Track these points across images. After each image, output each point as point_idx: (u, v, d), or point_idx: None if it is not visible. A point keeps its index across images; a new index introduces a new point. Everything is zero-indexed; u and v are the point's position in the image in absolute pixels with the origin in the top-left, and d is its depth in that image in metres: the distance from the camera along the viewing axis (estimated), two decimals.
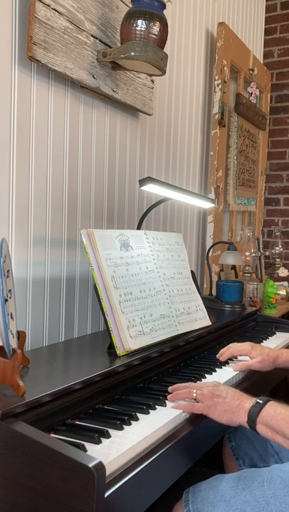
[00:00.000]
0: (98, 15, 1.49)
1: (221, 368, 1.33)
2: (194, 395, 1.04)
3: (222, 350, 1.36)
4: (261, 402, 0.98)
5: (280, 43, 3.27)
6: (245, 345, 1.34)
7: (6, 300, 0.93)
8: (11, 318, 0.96)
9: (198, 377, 1.22)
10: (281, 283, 2.88)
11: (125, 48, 1.42)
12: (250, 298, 2.22)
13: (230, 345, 1.37)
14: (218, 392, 1.03)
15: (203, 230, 2.52)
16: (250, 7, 3.06)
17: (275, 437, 0.95)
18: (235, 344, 1.37)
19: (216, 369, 1.31)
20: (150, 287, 1.34)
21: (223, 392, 1.03)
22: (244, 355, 1.35)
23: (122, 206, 1.80)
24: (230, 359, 1.38)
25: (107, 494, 0.71)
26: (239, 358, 1.38)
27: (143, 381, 1.18)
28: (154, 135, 2.01)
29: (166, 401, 1.06)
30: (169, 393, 1.08)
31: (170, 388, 1.09)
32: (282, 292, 2.79)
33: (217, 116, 2.42)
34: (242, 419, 0.98)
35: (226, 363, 1.36)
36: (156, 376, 1.22)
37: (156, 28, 1.41)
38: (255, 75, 2.86)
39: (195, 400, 1.04)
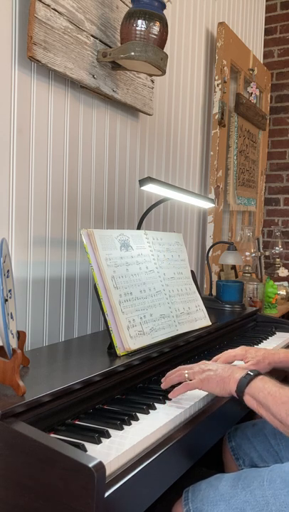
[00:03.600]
0: (98, 15, 1.49)
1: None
2: (186, 375, 1.07)
3: (215, 357, 1.32)
4: (252, 374, 1.00)
5: (280, 43, 3.27)
6: (239, 350, 1.32)
7: (6, 300, 0.93)
8: (11, 318, 0.96)
9: None
10: (281, 283, 2.88)
11: (125, 48, 1.42)
12: (250, 298, 2.22)
13: (224, 352, 1.34)
14: (208, 367, 1.08)
15: (203, 230, 2.52)
16: (250, 7, 3.06)
17: (260, 410, 0.97)
18: (229, 350, 1.34)
19: None
20: (150, 287, 1.34)
21: (214, 366, 1.08)
22: (239, 360, 1.33)
23: (122, 206, 1.80)
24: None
25: (107, 494, 0.71)
26: (236, 362, 1.36)
27: (143, 381, 1.18)
28: (154, 135, 2.01)
29: (167, 401, 1.06)
30: (169, 393, 1.08)
31: (163, 379, 1.12)
32: (282, 292, 2.79)
33: (217, 116, 2.42)
34: (232, 388, 1.01)
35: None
36: (156, 376, 1.22)
37: (156, 28, 1.41)
38: (255, 75, 2.86)
39: (188, 380, 1.07)
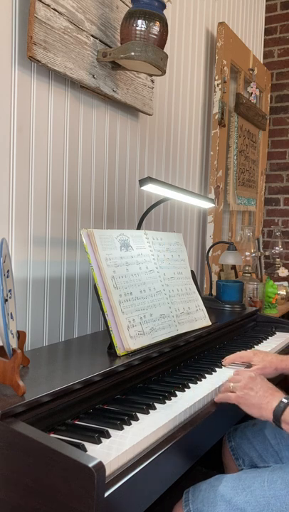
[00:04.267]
0: (98, 15, 1.49)
1: (221, 368, 1.33)
2: (231, 386, 1.11)
3: (227, 357, 1.36)
4: (286, 401, 1.02)
5: (280, 43, 3.27)
6: (248, 352, 1.34)
7: (6, 300, 0.93)
8: (11, 318, 0.96)
9: (198, 377, 1.21)
10: (281, 283, 2.88)
11: (125, 48, 1.42)
12: (250, 298, 2.22)
13: (236, 353, 1.37)
14: (251, 384, 1.08)
15: (203, 230, 2.52)
16: (250, 7, 3.06)
17: None
18: (241, 352, 1.36)
19: (216, 369, 1.31)
20: (150, 287, 1.34)
21: (257, 386, 1.08)
22: (246, 362, 1.34)
23: (122, 206, 1.80)
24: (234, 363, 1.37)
25: (107, 494, 0.71)
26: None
27: (143, 381, 1.18)
28: (154, 135, 2.01)
29: (167, 400, 1.06)
30: (170, 393, 1.08)
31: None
32: (282, 292, 2.79)
33: (217, 116, 2.42)
34: (268, 416, 1.03)
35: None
36: (156, 376, 1.22)
37: (156, 28, 1.41)
38: (255, 74, 2.86)
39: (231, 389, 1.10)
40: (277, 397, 1.04)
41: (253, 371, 1.25)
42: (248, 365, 1.31)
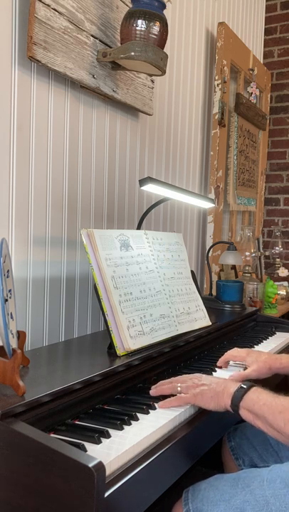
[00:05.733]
0: (98, 15, 1.49)
1: (221, 367, 1.33)
2: (179, 389, 1.05)
3: (219, 359, 1.34)
4: (245, 387, 0.99)
5: (280, 43, 3.27)
6: (241, 352, 1.32)
7: (6, 300, 0.93)
8: (11, 318, 0.96)
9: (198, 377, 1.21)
10: (281, 283, 2.88)
11: (125, 48, 1.42)
12: (250, 298, 2.22)
13: (227, 352, 1.35)
14: (202, 381, 1.05)
15: (203, 230, 2.52)
16: (250, 7, 3.06)
17: (257, 422, 0.96)
18: (233, 349, 1.35)
19: (216, 369, 1.31)
20: (150, 287, 1.34)
21: (207, 380, 1.05)
22: (239, 361, 1.33)
23: (122, 206, 1.80)
24: (229, 362, 1.36)
25: (107, 494, 0.71)
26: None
27: (143, 381, 1.18)
28: (154, 135, 2.01)
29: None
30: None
31: (153, 386, 1.09)
32: (282, 292, 2.79)
33: (217, 116, 2.42)
34: (226, 402, 0.99)
35: (226, 363, 1.36)
36: (156, 376, 1.22)
37: (156, 28, 1.41)
38: (255, 74, 2.86)
39: (180, 393, 1.04)
40: (231, 383, 1.02)
41: (248, 375, 1.25)
42: (245, 367, 1.30)
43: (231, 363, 1.35)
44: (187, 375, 1.10)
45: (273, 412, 0.92)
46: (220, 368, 1.32)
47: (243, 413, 0.97)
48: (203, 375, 1.09)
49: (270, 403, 0.94)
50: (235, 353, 1.31)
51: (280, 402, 0.93)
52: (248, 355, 1.29)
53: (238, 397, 0.98)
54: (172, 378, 1.10)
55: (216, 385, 1.03)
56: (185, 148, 2.29)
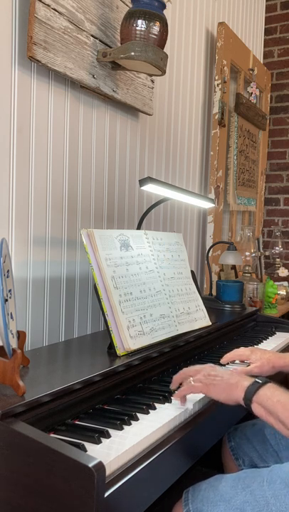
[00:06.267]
0: (98, 15, 1.49)
1: (221, 368, 1.32)
2: (191, 378, 1.06)
3: (226, 355, 1.35)
4: (260, 382, 0.99)
5: (280, 43, 3.27)
6: (246, 350, 1.33)
7: (6, 300, 0.93)
8: (11, 318, 0.96)
9: None
10: (281, 283, 2.88)
11: (125, 48, 1.42)
12: (250, 298, 2.22)
13: (234, 350, 1.36)
14: (215, 372, 1.06)
15: (203, 230, 2.52)
16: (250, 7, 3.06)
17: (268, 418, 0.95)
18: (238, 349, 1.36)
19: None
20: (150, 287, 1.34)
21: (220, 372, 1.06)
22: (245, 360, 1.33)
23: (122, 206, 1.80)
24: (232, 362, 1.37)
25: (107, 494, 0.71)
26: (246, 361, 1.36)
27: (143, 381, 1.18)
28: (154, 135, 2.01)
29: (166, 400, 1.06)
30: (170, 393, 1.08)
31: (171, 385, 1.11)
32: (282, 292, 2.79)
33: (217, 116, 2.42)
34: (239, 396, 0.99)
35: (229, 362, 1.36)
36: (156, 376, 1.23)
37: (156, 28, 1.41)
38: (255, 74, 2.86)
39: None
40: (245, 377, 1.02)
41: (250, 370, 1.25)
42: (248, 364, 1.31)
43: (237, 361, 1.36)
44: (200, 365, 1.11)
45: (286, 409, 0.92)
46: (222, 366, 1.32)
47: (256, 408, 0.97)
48: (217, 366, 1.10)
49: (284, 401, 0.93)
50: (240, 351, 1.33)
51: None
52: (253, 353, 1.31)
53: (251, 391, 0.98)
54: (185, 369, 1.11)
55: (230, 377, 1.03)
56: (185, 148, 2.29)
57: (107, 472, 0.75)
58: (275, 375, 1.30)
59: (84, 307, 1.60)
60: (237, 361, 1.36)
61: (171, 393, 1.09)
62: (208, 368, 1.08)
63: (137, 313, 1.25)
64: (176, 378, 1.10)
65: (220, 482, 1.03)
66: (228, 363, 1.35)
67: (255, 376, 1.04)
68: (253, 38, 3.15)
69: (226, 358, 1.33)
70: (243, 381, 1.00)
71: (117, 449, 0.82)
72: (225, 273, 2.57)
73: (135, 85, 1.71)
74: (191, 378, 1.06)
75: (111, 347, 1.18)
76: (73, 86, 1.48)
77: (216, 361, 1.35)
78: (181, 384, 1.09)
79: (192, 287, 1.54)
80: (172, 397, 1.05)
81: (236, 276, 2.68)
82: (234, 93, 2.69)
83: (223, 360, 1.33)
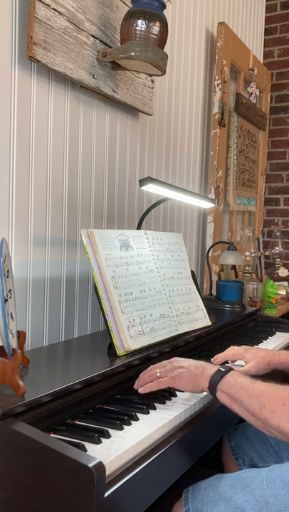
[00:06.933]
0: (98, 15, 1.49)
1: (188, 359, 1.31)
2: (158, 374, 1.06)
3: (217, 355, 1.34)
4: (223, 370, 1.00)
5: (280, 43, 3.27)
6: (239, 349, 1.32)
7: (6, 300, 0.93)
8: (11, 318, 0.96)
9: None
10: (281, 283, 2.88)
11: (125, 48, 1.42)
12: (250, 298, 2.22)
13: (227, 349, 1.35)
14: (180, 364, 1.06)
15: (203, 230, 2.52)
16: (250, 7, 3.06)
17: (233, 405, 0.96)
18: (231, 348, 1.35)
19: None
20: (150, 287, 1.34)
21: (185, 363, 1.06)
22: (238, 359, 1.33)
23: (122, 206, 1.80)
24: (227, 362, 1.36)
25: (107, 494, 0.71)
26: (238, 361, 1.36)
27: None
28: (154, 135, 2.01)
29: (166, 401, 1.06)
30: (170, 393, 1.09)
31: (136, 380, 1.10)
32: (282, 292, 2.79)
33: (217, 116, 2.42)
34: (204, 384, 1.01)
35: (225, 363, 1.36)
36: None
37: (156, 28, 1.41)
38: (255, 74, 2.86)
39: (160, 378, 1.06)
40: (210, 366, 1.03)
41: (247, 371, 1.25)
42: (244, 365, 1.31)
43: (230, 362, 1.35)
44: (166, 360, 1.11)
45: (250, 396, 0.93)
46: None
47: (220, 396, 0.99)
48: (182, 358, 1.10)
49: (246, 387, 0.94)
50: (233, 351, 1.32)
51: (257, 386, 0.94)
52: (247, 352, 1.30)
53: (215, 379, 0.99)
54: (151, 366, 1.11)
55: (194, 367, 1.04)
56: (185, 148, 2.29)
57: (107, 472, 0.75)
58: (275, 373, 1.30)
59: (84, 307, 1.60)
60: (229, 361, 1.35)
61: (171, 393, 1.09)
62: (173, 361, 1.09)
63: (137, 313, 1.25)
64: (144, 378, 1.08)
65: (220, 482, 1.03)
66: (226, 362, 1.35)
67: (221, 365, 1.05)
68: (253, 38, 3.15)
69: (219, 358, 1.32)
70: (208, 370, 1.02)
71: (117, 449, 0.82)
72: (225, 273, 2.57)
73: (135, 85, 1.71)
74: (158, 370, 1.07)
75: (111, 347, 1.18)
76: (73, 86, 1.48)
77: None
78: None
79: (192, 287, 1.55)
80: (139, 390, 1.05)
81: (236, 276, 2.68)
82: (234, 93, 2.69)
83: (216, 361, 1.32)
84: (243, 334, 1.78)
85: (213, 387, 0.99)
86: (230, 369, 1.01)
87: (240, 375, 0.99)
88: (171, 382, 1.04)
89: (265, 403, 0.90)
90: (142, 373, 1.11)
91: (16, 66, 1.27)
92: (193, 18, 2.30)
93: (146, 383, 1.07)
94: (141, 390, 1.05)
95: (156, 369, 1.08)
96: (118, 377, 1.08)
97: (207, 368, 1.03)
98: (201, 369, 1.03)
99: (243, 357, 1.30)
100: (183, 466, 0.98)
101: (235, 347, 1.34)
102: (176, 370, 1.05)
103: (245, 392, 0.94)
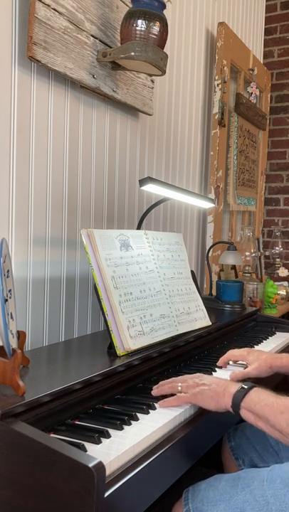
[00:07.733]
0: (98, 15, 1.49)
1: (221, 368, 1.33)
2: (179, 388, 1.05)
3: (220, 358, 1.34)
4: (246, 387, 0.99)
5: (280, 43, 3.27)
6: (242, 351, 1.32)
7: (6, 300, 0.93)
8: (11, 318, 0.96)
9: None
10: (281, 283, 2.88)
11: (125, 48, 1.42)
12: (250, 298, 2.22)
13: (229, 351, 1.35)
14: (202, 381, 1.05)
15: (203, 230, 2.52)
16: (250, 7, 3.06)
17: (258, 422, 0.96)
18: (233, 350, 1.35)
19: (216, 369, 1.31)
20: (150, 287, 1.34)
21: (208, 380, 1.05)
22: (241, 361, 1.33)
23: (122, 206, 1.80)
24: (228, 363, 1.36)
25: (106, 494, 0.71)
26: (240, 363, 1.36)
27: (143, 381, 1.18)
28: (154, 135, 2.01)
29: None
30: (170, 393, 1.08)
31: (155, 386, 1.09)
32: (282, 292, 2.79)
33: (217, 116, 2.42)
34: (227, 402, 0.99)
35: (226, 363, 1.36)
36: (156, 376, 1.22)
37: (156, 28, 1.41)
38: (255, 74, 2.86)
39: (180, 393, 1.04)
40: (232, 384, 1.02)
41: (248, 373, 1.25)
42: (245, 366, 1.31)
43: (231, 363, 1.35)
44: (188, 375, 1.10)
45: (275, 412, 0.92)
46: (220, 368, 1.32)
47: (244, 414, 0.97)
48: (204, 375, 1.09)
49: (271, 403, 0.93)
50: (236, 352, 1.32)
51: (282, 402, 0.93)
52: (249, 354, 1.29)
53: (238, 397, 0.97)
54: (173, 378, 1.10)
55: (217, 385, 1.03)
56: (185, 148, 2.29)
57: (107, 472, 0.75)
58: (273, 376, 1.30)
59: (84, 307, 1.60)
60: (231, 363, 1.35)
61: (171, 393, 1.09)
62: (195, 377, 1.07)
63: (137, 313, 1.25)
64: (164, 388, 1.07)
65: (220, 482, 1.03)
66: (226, 364, 1.35)
67: (243, 381, 1.03)
68: (253, 38, 3.15)
69: (222, 360, 1.32)
70: (230, 388, 1.00)
71: (117, 449, 0.82)
72: (225, 273, 2.57)
73: (135, 85, 1.71)
74: (180, 384, 1.05)
75: (111, 347, 1.18)
76: (73, 86, 1.48)
77: (216, 361, 1.35)
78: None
79: (192, 287, 1.54)
80: (159, 404, 1.03)
81: (236, 276, 2.68)
82: (234, 93, 2.69)
83: (219, 363, 1.32)
84: (243, 334, 1.78)
85: (236, 405, 0.97)
86: (253, 386, 0.99)
87: (263, 391, 0.97)
88: (192, 399, 1.02)
89: None
90: (162, 382, 1.09)
91: (16, 66, 1.27)
92: (193, 18, 2.30)
93: (165, 393, 1.06)
94: (161, 403, 1.03)
95: (178, 382, 1.06)
96: (118, 377, 1.08)
97: (229, 386, 1.01)
98: (224, 387, 1.01)
99: (245, 359, 1.29)
100: (183, 466, 0.98)
101: (236, 349, 1.34)
102: (198, 387, 1.03)
103: (270, 409, 0.93)
